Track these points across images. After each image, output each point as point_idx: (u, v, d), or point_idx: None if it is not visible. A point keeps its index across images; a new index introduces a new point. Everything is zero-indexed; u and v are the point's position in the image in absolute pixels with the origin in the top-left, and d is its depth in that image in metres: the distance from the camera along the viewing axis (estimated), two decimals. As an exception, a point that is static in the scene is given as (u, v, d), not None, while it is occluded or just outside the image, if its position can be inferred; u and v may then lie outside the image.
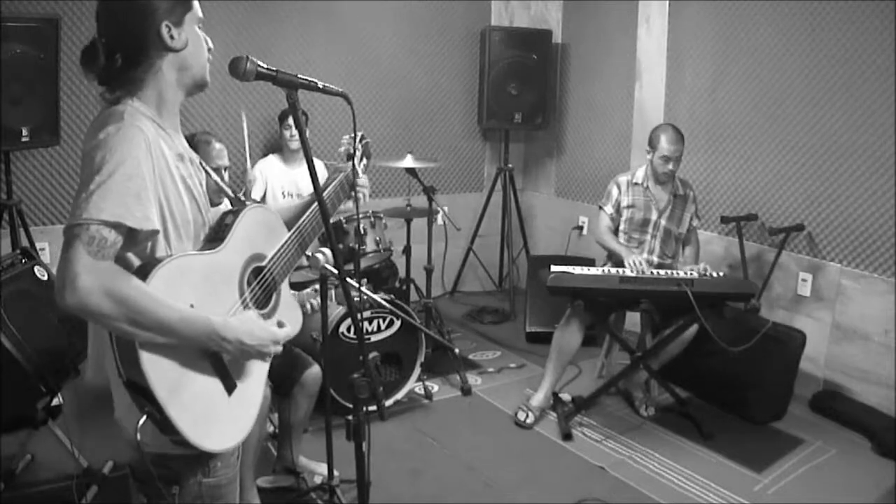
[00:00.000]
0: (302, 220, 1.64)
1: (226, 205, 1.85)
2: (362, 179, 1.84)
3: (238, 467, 1.47)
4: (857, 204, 3.47)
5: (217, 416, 1.33)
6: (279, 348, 1.40)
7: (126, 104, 1.29)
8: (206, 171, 1.51)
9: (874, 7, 3.28)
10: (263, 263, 1.49)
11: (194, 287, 1.28)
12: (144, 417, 1.23)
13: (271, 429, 2.91)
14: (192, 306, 1.26)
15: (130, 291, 1.17)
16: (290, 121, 3.89)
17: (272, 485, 2.75)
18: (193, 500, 1.36)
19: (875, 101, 3.33)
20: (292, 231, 1.60)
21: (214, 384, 1.33)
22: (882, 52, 3.27)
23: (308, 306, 2.69)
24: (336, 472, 2.49)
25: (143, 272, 1.21)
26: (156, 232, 1.25)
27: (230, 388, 1.36)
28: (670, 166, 3.38)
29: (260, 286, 1.47)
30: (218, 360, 1.33)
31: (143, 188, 1.21)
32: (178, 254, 1.29)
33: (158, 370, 1.21)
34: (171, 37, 1.31)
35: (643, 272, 3.21)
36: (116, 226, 1.17)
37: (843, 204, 3.54)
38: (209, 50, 1.41)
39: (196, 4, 1.38)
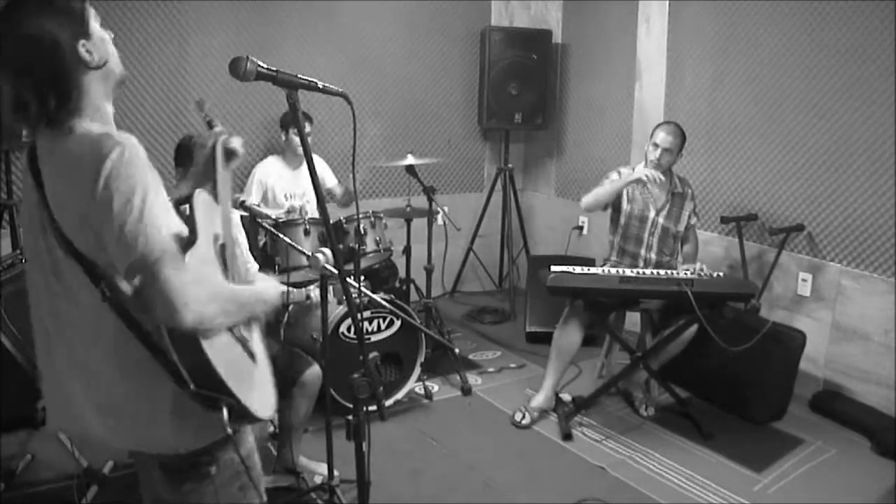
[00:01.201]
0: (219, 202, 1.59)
1: None
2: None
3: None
4: (857, 204, 3.47)
5: (262, 386, 1.41)
6: None
7: (81, 127, 1.26)
8: None
9: (874, 7, 3.28)
10: (221, 241, 1.49)
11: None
12: (226, 411, 1.24)
13: (271, 429, 2.91)
14: None
15: (218, 287, 1.26)
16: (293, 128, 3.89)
17: (272, 485, 2.74)
18: (231, 475, 1.40)
19: (875, 101, 3.33)
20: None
21: (245, 358, 1.39)
22: (882, 51, 3.27)
23: (313, 296, 2.69)
24: (336, 472, 2.49)
25: None
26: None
27: (252, 356, 1.42)
28: (658, 153, 3.37)
29: (225, 261, 1.48)
30: (237, 334, 1.38)
31: (166, 200, 1.25)
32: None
33: (220, 362, 1.23)
34: (89, 52, 1.28)
35: (658, 179, 3.27)
36: (177, 237, 1.21)
37: (843, 204, 3.54)
38: (111, 41, 1.37)
39: (88, 5, 1.32)
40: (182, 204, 1.43)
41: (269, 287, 1.47)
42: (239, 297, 1.33)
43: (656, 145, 3.38)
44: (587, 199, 3.51)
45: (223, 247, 1.48)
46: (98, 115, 1.32)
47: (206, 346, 1.21)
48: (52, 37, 1.24)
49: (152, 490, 1.44)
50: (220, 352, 1.26)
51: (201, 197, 1.48)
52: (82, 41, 1.27)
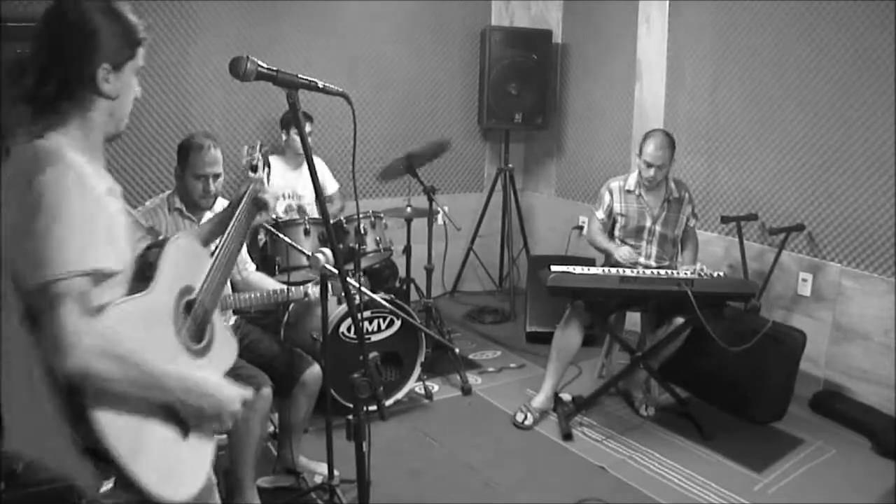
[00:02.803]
0: (220, 243, 1.58)
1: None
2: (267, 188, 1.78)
3: None
4: (857, 204, 3.47)
5: (180, 466, 1.31)
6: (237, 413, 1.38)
7: (51, 139, 1.21)
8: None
9: (874, 7, 3.28)
10: (193, 296, 1.44)
11: (132, 335, 1.23)
12: (112, 483, 1.18)
13: (271, 429, 2.91)
14: None
15: (124, 349, 1.15)
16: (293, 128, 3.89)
17: (272, 485, 2.75)
18: None
19: (875, 101, 3.33)
20: (214, 258, 1.53)
21: (171, 432, 1.31)
22: (882, 52, 3.27)
23: (311, 293, 2.69)
24: (336, 472, 2.49)
25: None
26: (116, 274, 1.20)
27: (185, 431, 1.34)
28: (652, 172, 3.38)
29: (193, 321, 1.43)
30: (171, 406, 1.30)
31: (105, 226, 1.17)
32: (112, 302, 1.21)
33: (115, 431, 1.16)
34: (107, 81, 1.26)
35: (634, 262, 3.35)
36: (95, 273, 1.13)
37: (843, 204, 3.54)
38: (136, 98, 1.37)
39: (141, 52, 1.32)
40: (154, 248, 1.37)
41: (211, 381, 1.33)
42: (155, 372, 1.22)
43: (648, 164, 3.37)
44: (588, 239, 3.74)
45: (189, 304, 1.41)
46: (80, 139, 1.26)
47: (104, 414, 1.14)
48: (95, 41, 1.23)
49: None
50: (130, 421, 1.19)
51: (182, 243, 1.44)
52: (109, 65, 1.26)
